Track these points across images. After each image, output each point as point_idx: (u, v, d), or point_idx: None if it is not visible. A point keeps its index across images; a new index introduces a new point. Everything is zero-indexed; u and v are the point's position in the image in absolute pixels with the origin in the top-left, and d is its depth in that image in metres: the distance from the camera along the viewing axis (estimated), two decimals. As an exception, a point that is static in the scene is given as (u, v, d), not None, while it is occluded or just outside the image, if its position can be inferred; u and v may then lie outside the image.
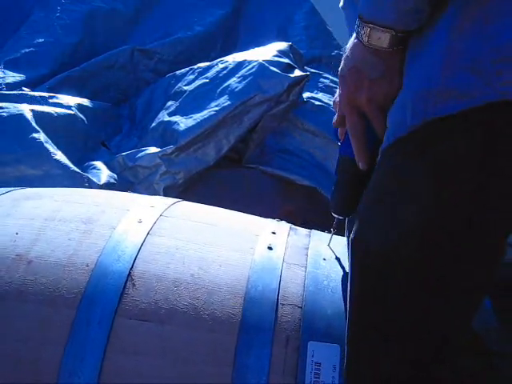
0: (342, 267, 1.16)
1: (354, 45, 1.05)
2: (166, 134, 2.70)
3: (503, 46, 0.86)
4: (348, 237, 1.36)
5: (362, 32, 1.01)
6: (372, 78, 1.05)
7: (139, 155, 2.62)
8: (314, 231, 1.30)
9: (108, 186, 2.47)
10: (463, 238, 0.93)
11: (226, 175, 2.76)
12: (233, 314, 1.03)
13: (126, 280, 1.05)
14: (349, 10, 1.24)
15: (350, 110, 1.10)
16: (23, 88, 2.94)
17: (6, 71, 3.03)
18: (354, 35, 1.05)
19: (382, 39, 1.00)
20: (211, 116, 2.62)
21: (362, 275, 1.00)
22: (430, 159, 0.92)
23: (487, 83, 0.86)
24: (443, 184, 0.91)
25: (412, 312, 0.97)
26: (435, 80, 0.91)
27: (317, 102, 2.93)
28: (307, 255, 1.18)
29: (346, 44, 1.20)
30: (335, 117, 1.18)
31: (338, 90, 1.22)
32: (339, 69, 1.14)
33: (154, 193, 2.55)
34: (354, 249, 1.03)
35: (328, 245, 1.24)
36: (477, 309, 1.00)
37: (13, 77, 3.01)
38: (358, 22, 1.02)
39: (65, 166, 2.47)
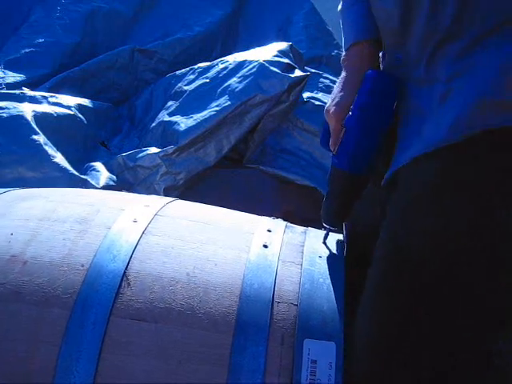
0: (338, 265, 1.15)
1: None
2: (167, 134, 2.70)
3: None
4: (347, 238, 1.37)
5: None
6: None
7: (140, 155, 2.62)
8: (310, 229, 1.29)
9: (107, 188, 2.46)
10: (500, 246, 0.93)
11: (226, 175, 2.76)
12: (228, 313, 1.02)
13: (121, 279, 1.04)
14: (345, 13, 1.24)
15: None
16: (23, 88, 2.94)
17: (6, 71, 3.03)
18: None
19: None
20: (212, 116, 2.62)
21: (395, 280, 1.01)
22: (470, 171, 0.94)
23: None
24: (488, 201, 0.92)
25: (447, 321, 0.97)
26: (490, 92, 0.91)
27: (317, 102, 2.93)
28: (303, 253, 1.17)
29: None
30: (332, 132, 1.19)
31: (329, 99, 1.22)
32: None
33: (155, 193, 2.54)
34: (390, 250, 1.03)
35: (323, 242, 1.23)
36: None
37: (13, 77, 3.02)
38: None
39: (64, 169, 2.47)
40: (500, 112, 0.91)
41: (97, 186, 2.45)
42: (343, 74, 1.19)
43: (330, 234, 1.25)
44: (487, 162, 0.93)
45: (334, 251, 1.20)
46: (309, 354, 0.99)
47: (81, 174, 2.50)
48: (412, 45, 1.04)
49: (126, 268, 1.06)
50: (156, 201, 1.29)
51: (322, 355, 0.99)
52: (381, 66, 1.18)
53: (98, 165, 2.63)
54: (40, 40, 3.21)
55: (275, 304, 1.04)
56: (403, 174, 1.07)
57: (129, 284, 1.04)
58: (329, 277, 1.11)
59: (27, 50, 3.16)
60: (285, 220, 1.33)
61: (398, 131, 1.09)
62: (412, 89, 1.06)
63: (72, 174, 2.46)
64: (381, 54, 1.18)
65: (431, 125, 1.01)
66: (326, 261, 1.16)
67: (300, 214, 2.60)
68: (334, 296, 1.07)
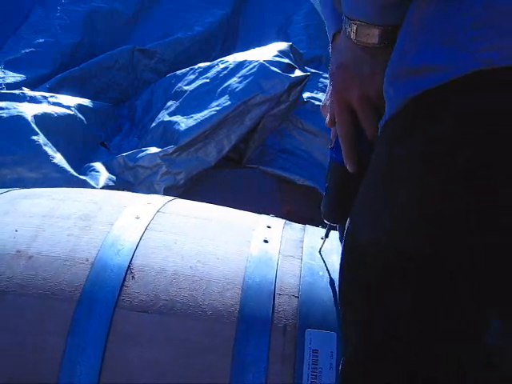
0: (337, 258, 1.16)
1: (343, 42, 1.04)
2: (167, 133, 2.70)
3: (475, 12, 0.84)
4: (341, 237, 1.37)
5: (349, 29, 0.99)
6: (362, 75, 1.03)
7: (140, 155, 2.62)
8: (308, 226, 1.31)
9: (106, 189, 2.46)
10: (460, 221, 0.90)
11: (226, 175, 2.76)
12: (231, 305, 1.04)
13: (126, 273, 1.06)
14: (324, 10, 1.23)
15: (340, 109, 1.07)
16: (23, 88, 2.94)
17: (6, 71, 3.04)
18: (342, 33, 1.04)
19: (371, 35, 0.99)
20: (212, 116, 2.62)
21: (349, 269, 0.98)
22: (411, 142, 0.86)
23: (465, 52, 0.84)
24: (429, 166, 0.88)
25: (415, 308, 0.94)
26: (408, 57, 0.90)
27: (317, 102, 2.92)
28: (302, 247, 1.19)
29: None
30: (327, 118, 1.17)
31: (326, 94, 1.21)
32: (329, 68, 1.12)
33: (155, 193, 2.54)
34: (345, 241, 1.02)
35: (322, 236, 1.24)
36: None
37: (13, 77, 3.02)
38: (344, 19, 1.02)
39: (63, 170, 2.47)
40: (413, 78, 0.90)
41: (96, 186, 2.45)
42: None
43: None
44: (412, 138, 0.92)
45: (333, 246, 1.21)
46: (310, 343, 1.01)
47: (80, 175, 2.50)
48: None
49: (130, 262, 1.08)
50: (157, 199, 1.32)
51: (323, 345, 1.01)
52: None
53: (98, 165, 2.63)
54: (40, 40, 3.21)
55: (277, 296, 1.06)
56: None
57: (133, 277, 1.06)
58: (328, 270, 1.13)
59: (27, 50, 3.17)
60: (285, 219, 1.34)
61: None
62: None
63: (71, 174, 2.46)
64: None
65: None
66: (325, 255, 1.18)
67: (300, 213, 2.60)
68: (333, 289, 1.09)
